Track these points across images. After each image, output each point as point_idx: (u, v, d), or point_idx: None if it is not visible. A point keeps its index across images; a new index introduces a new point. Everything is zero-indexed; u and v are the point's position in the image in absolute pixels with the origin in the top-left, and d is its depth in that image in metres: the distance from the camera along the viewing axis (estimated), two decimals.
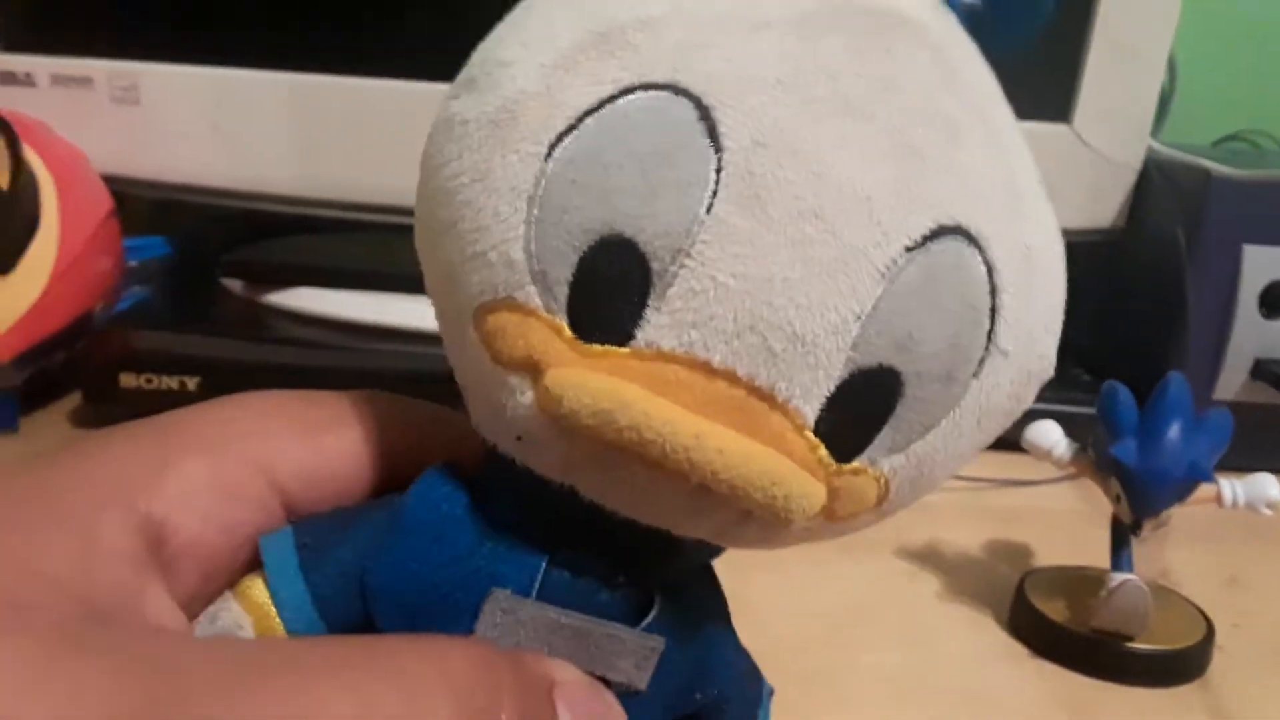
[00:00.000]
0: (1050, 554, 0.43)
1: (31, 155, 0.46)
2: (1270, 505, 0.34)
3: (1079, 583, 0.38)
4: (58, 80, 0.54)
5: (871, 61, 0.17)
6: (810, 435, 0.16)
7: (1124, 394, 0.35)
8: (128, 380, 0.47)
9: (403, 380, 0.48)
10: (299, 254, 0.58)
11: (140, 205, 0.57)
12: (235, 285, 0.56)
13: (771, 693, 0.22)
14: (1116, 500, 0.35)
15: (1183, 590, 0.39)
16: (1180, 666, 0.35)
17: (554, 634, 0.17)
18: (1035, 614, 0.37)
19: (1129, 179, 0.56)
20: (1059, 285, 0.18)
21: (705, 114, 0.16)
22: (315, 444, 0.19)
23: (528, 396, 0.16)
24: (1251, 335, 0.52)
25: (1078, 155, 0.55)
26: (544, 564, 0.17)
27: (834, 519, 0.17)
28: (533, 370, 0.16)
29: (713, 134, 0.16)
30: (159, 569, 0.17)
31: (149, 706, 0.13)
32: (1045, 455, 0.37)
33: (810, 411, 0.16)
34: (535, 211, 0.16)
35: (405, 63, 0.54)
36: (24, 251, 0.45)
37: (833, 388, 0.16)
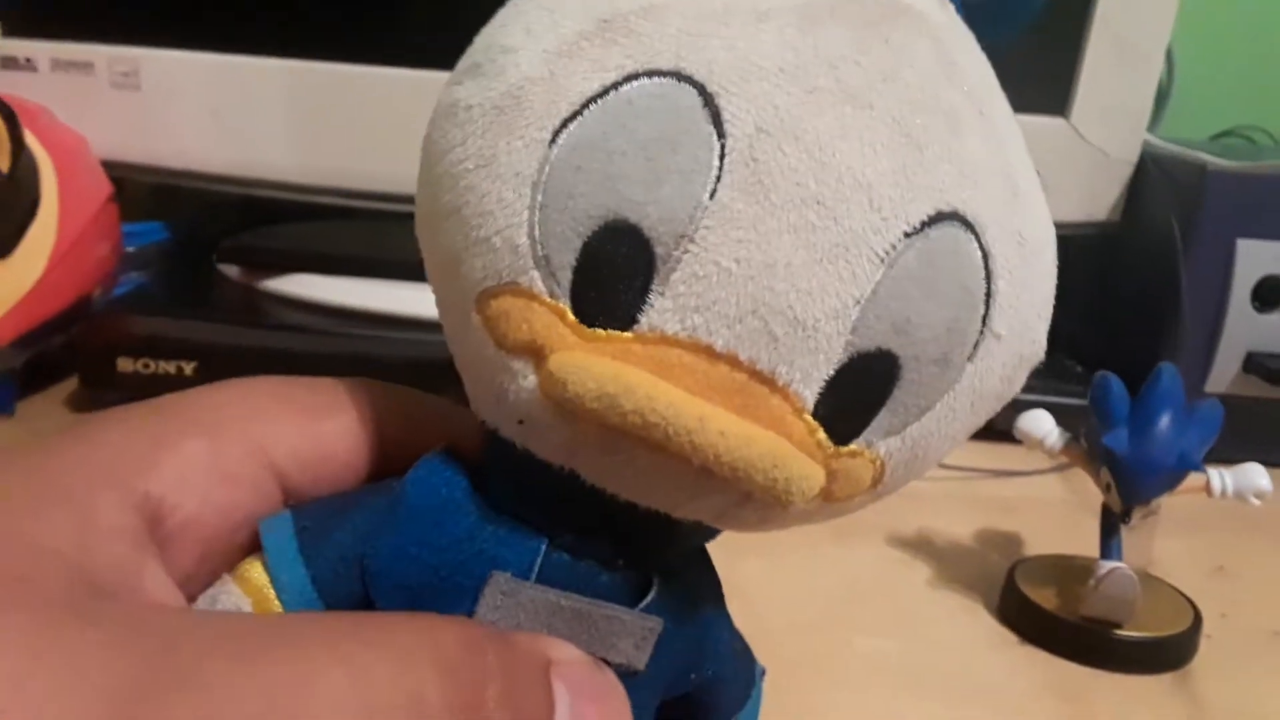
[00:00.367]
0: (1040, 543, 0.43)
1: (32, 140, 0.46)
2: (1258, 495, 0.35)
3: (1068, 571, 0.38)
4: (58, 65, 0.54)
5: (871, 51, 0.17)
6: (809, 419, 0.16)
7: (1116, 384, 0.35)
8: (125, 365, 0.47)
9: (399, 367, 0.48)
10: (297, 240, 0.58)
11: (139, 190, 0.57)
12: (233, 271, 0.56)
13: (763, 673, 0.22)
14: (1107, 489, 0.36)
15: (1170, 579, 0.39)
16: (1167, 654, 0.36)
17: (554, 616, 0.17)
18: (1025, 602, 0.37)
19: (1125, 173, 0.56)
20: (1051, 273, 0.19)
21: (709, 101, 0.16)
22: (313, 428, 0.20)
23: (530, 381, 0.17)
24: (1244, 328, 0.52)
25: (1074, 149, 0.55)
26: (544, 547, 0.18)
27: (831, 501, 0.18)
28: (536, 355, 0.16)
29: (716, 120, 0.16)
30: (157, 548, 0.17)
31: (148, 675, 0.13)
32: (1037, 444, 0.37)
33: (810, 395, 0.16)
34: (539, 197, 0.16)
35: (404, 50, 0.54)
36: (23, 235, 0.46)
37: (832, 371, 0.16)
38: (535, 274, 0.16)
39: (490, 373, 0.17)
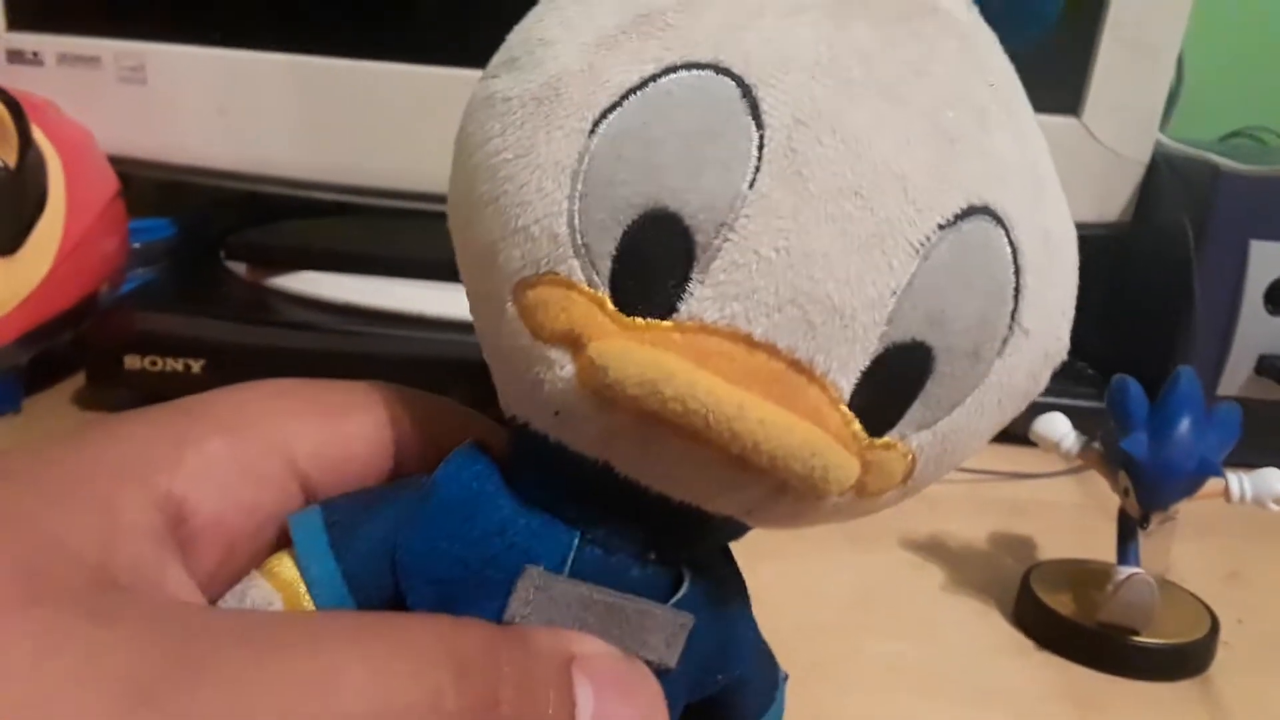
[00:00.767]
0: (1054, 547, 0.43)
1: (39, 134, 0.46)
2: (1277, 500, 0.35)
3: (1084, 576, 0.38)
4: (65, 59, 0.54)
5: (904, 46, 0.17)
6: (845, 409, 0.16)
7: (1134, 388, 0.35)
8: (132, 362, 0.47)
9: (406, 365, 0.48)
10: (304, 237, 0.57)
11: (146, 187, 0.57)
12: (240, 268, 0.56)
13: (786, 678, 0.22)
14: (1125, 494, 0.35)
15: (1184, 584, 0.39)
16: (1185, 661, 0.35)
17: (587, 610, 0.17)
18: (1041, 607, 0.37)
19: (1137, 173, 0.56)
20: (1073, 271, 0.19)
21: (747, 92, 0.16)
22: (333, 429, 0.20)
23: (568, 370, 0.17)
24: (1256, 331, 0.52)
25: (1086, 148, 0.55)
26: (576, 541, 0.18)
27: (864, 495, 0.18)
28: (574, 344, 0.16)
29: (755, 112, 0.16)
30: (178, 546, 0.17)
31: (166, 669, 0.13)
32: (1054, 448, 0.37)
33: (846, 385, 0.16)
34: (579, 186, 0.16)
35: (413, 46, 0.54)
36: (30, 231, 0.45)
37: (868, 362, 0.16)
38: (574, 263, 0.16)
39: (525, 363, 0.17)
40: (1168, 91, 0.55)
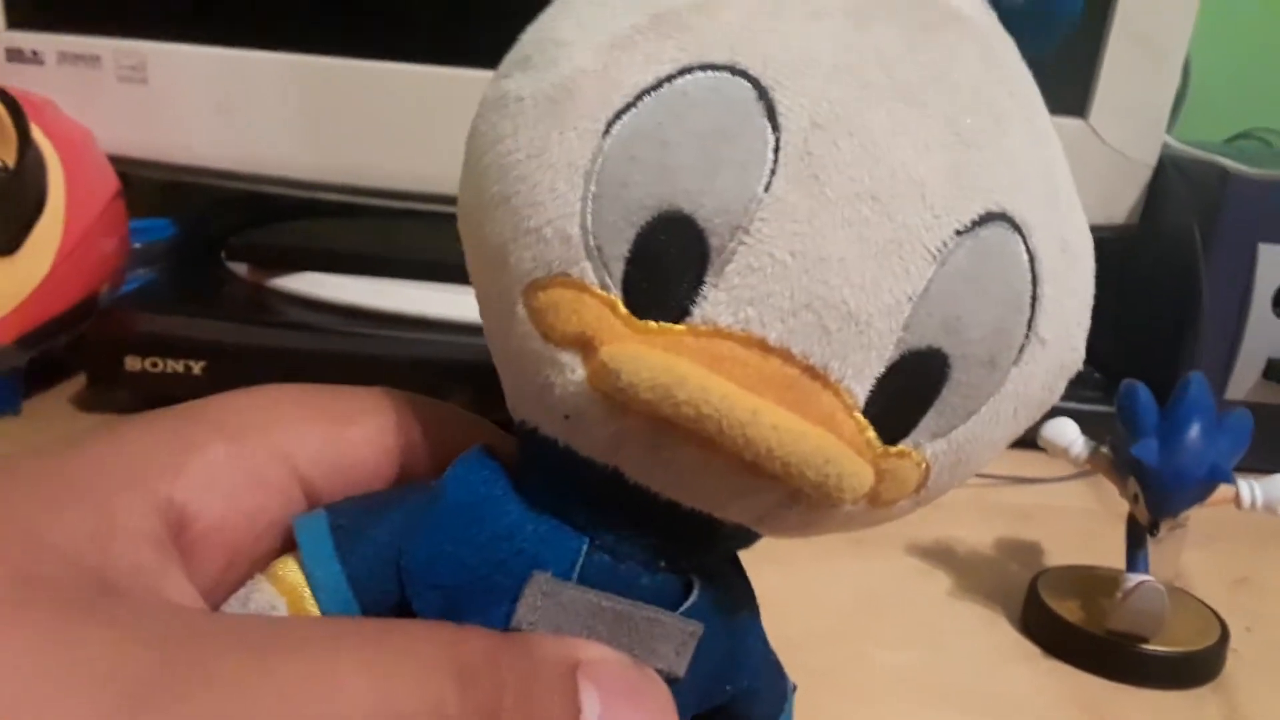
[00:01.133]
0: (1062, 553, 0.43)
1: (39, 134, 0.46)
2: None
3: (1092, 583, 0.38)
4: (65, 58, 0.54)
5: (923, 51, 0.17)
6: (860, 416, 0.16)
7: (1144, 393, 0.34)
8: (132, 363, 0.47)
9: (407, 366, 0.47)
10: (305, 238, 0.57)
11: (146, 187, 0.57)
12: (241, 269, 0.55)
13: (794, 689, 0.22)
14: (1134, 500, 0.35)
15: (1194, 592, 0.39)
16: (1195, 669, 0.35)
17: (595, 617, 0.17)
18: (1049, 614, 0.36)
19: (1144, 175, 0.56)
20: (1089, 282, 0.19)
21: (763, 94, 0.16)
22: (337, 435, 0.19)
23: (579, 374, 0.16)
24: (1264, 335, 0.52)
25: (1093, 151, 0.55)
26: (585, 547, 0.17)
27: (877, 503, 0.17)
28: (585, 347, 0.16)
29: (771, 114, 0.16)
30: (180, 553, 0.17)
31: (162, 672, 0.13)
32: (1062, 453, 0.37)
33: (861, 392, 0.16)
34: (592, 187, 0.16)
35: (414, 46, 0.53)
36: (30, 231, 0.45)
37: (883, 369, 0.16)
38: (586, 265, 0.16)
39: (535, 366, 0.17)
40: (1175, 93, 0.55)
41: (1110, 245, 0.57)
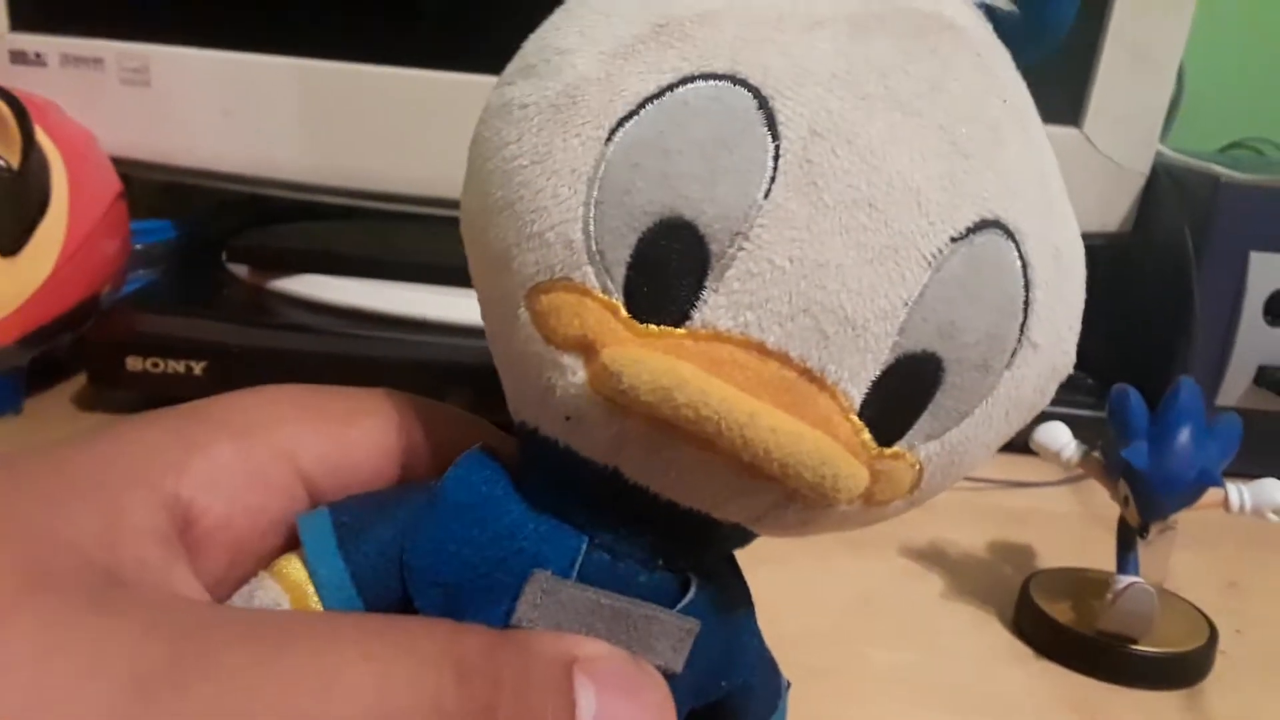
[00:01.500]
0: (1053, 555, 0.43)
1: (42, 136, 0.46)
2: (1276, 511, 0.35)
3: (1083, 584, 0.38)
4: (68, 60, 0.54)
5: (919, 61, 0.17)
6: (855, 419, 0.17)
7: (1135, 397, 0.35)
8: (133, 364, 0.47)
9: (408, 368, 0.48)
10: (306, 240, 0.57)
11: (147, 188, 0.57)
12: (241, 270, 0.56)
13: (789, 686, 0.22)
14: (1125, 503, 0.36)
15: (1182, 594, 0.39)
16: (1184, 670, 0.36)
17: (594, 615, 0.17)
18: (1040, 615, 0.37)
19: (1137, 183, 0.56)
20: (1081, 288, 0.19)
21: (764, 104, 0.16)
22: (340, 434, 0.20)
23: (580, 376, 0.17)
24: (1256, 342, 0.52)
25: (1087, 159, 0.55)
26: (584, 546, 0.18)
27: (872, 504, 0.18)
28: (587, 350, 0.17)
29: (771, 123, 0.16)
30: (185, 550, 0.17)
31: (168, 663, 0.13)
32: (1054, 457, 0.37)
33: (857, 395, 0.16)
34: (595, 193, 0.16)
35: (416, 51, 0.54)
36: (33, 232, 0.45)
37: (879, 372, 0.16)
38: (589, 269, 0.16)
39: (537, 369, 0.17)
40: (1168, 102, 0.56)
41: (1103, 252, 0.57)
